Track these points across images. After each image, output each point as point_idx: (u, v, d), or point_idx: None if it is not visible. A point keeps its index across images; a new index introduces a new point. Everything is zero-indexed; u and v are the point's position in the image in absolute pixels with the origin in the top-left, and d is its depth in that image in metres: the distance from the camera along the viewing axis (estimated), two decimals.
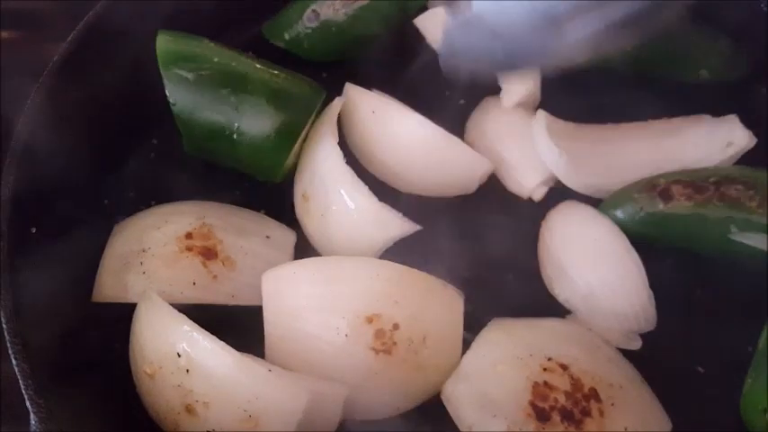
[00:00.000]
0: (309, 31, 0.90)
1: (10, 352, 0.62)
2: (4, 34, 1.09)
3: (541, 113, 0.81)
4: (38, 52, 1.07)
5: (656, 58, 0.84)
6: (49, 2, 1.14)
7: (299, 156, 0.81)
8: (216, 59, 0.77)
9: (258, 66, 0.79)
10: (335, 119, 0.79)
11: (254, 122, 0.76)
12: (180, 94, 0.76)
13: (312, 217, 0.78)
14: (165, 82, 0.76)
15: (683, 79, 0.86)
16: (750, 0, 0.86)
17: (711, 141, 0.81)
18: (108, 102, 0.79)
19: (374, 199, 0.74)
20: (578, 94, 0.84)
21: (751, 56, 0.87)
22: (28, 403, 0.60)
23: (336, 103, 0.81)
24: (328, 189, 0.75)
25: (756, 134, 0.80)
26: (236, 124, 0.76)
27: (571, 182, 0.80)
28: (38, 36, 1.10)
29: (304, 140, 0.81)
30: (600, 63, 0.83)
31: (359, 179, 0.74)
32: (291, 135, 0.77)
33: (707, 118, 0.83)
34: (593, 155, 0.81)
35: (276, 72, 0.79)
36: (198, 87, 0.76)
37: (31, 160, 0.71)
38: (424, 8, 0.90)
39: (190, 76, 0.76)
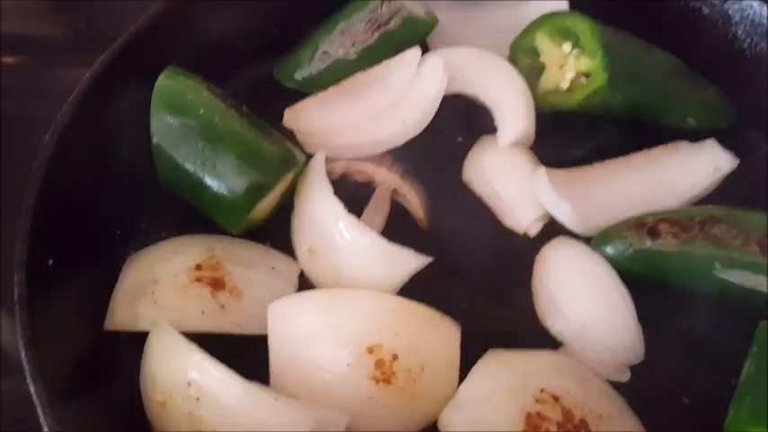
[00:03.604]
0: (321, 70, 0.93)
1: (29, 380, 0.64)
2: (8, 59, 1.12)
3: (542, 170, 0.83)
4: (41, 78, 1.11)
5: (644, 106, 0.88)
6: (52, 27, 1.17)
7: (271, 211, 0.84)
8: (201, 111, 0.79)
9: (238, 125, 0.80)
10: (324, 171, 0.81)
11: (221, 178, 0.77)
12: (161, 134, 0.79)
13: (323, 269, 0.79)
14: (152, 120, 0.79)
15: (669, 126, 0.89)
16: (737, 47, 0.90)
17: (695, 167, 0.85)
18: (124, 137, 0.82)
19: (384, 240, 0.76)
20: (570, 135, 0.88)
21: (738, 102, 0.91)
22: (46, 430, 0.63)
23: (320, 157, 0.83)
24: (337, 240, 0.78)
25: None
26: (204, 175, 0.78)
27: (579, 228, 0.82)
28: (42, 61, 1.13)
29: (284, 198, 0.84)
30: (589, 110, 0.87)
31: (364, 225, 0.77)
32: (255, 196, 0.78)
33: (684, 144, 0.87)
34: (590, 197, 0.83)
35: (253, 134, 0.80)
36: (178, 134, 0.79)
37: (48, 194, 0.74)
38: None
39: (174, 122, 0.79)
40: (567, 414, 0.68)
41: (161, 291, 0.76)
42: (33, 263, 0.70)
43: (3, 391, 0.81)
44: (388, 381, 0.70)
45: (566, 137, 0.90)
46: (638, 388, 0.74)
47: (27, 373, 0.65)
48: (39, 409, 0.63)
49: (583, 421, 0.68)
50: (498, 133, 0.88)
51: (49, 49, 1.14)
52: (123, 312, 0.76)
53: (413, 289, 0.77)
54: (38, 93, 1.08)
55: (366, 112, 0.90)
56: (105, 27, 1.13)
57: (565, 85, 0.88)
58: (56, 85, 1.07)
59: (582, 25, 0.86)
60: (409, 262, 0.77)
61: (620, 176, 0.86)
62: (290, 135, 0.88)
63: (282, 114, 0.91)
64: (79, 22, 1.17)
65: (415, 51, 0.89)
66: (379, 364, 0.70)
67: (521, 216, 0.85)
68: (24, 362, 0.66)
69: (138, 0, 0.93)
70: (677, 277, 0.77)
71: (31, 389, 0.64)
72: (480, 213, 0.87)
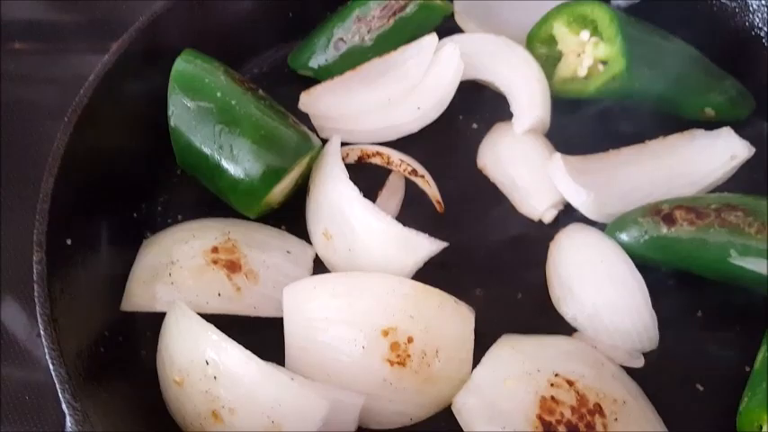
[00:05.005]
0: (336, 58, 0.93)
1: (47, 358, 0.65)
2: (19, 45, 1.12)
3: (557, 156, 0.83)
4: (52, 63, 1.11)
5: (661, 95, 0.87)
6: (64, 14, 1.17)
7: (287, 196, 0.84)
8: (219, 95, 0.79)
9: (254, 109, 0.79)
10: (339, 155, 0.81)
11: (237, 162, 0.78)
12: (179, 117, 0.80)
13: (338, 253, 0.80)
14: (169, 102, 0.80)
15: (687, 116, 0.89)
16: (755, 35, 0.89)
17: (711, 154, 0.85)
18: (141, 120, 0.83)
19: (399, 225, 0.76)
20: (586, 123, 0.88)
21: (755, 91, 0.90)
22: (64, 406, 0.63)
23: (335, 141, 0.83)
24: (352, 224, 0.78)
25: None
26: (221, 159, 0.78)
27: (594, 215, 0.82)
28: (52, 47, 1.13)
29: (299, 182, 0.84)
30: (606, 97, 0.87)
31: (380, 209, 0.77)
32: (270, 180, 0.78)
33: (700, 131, 0.86)
34: (605, 184, 0.83)
35: (270, 118, 0.80)
36: (196, 117, 0.79)
37: (67, 175, 0.74)
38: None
39: (191, 105, 0.79)
40: (582, 398, 0.69)
41: (178, 273, 0.76)
42: (52, 243, 0.71)
43: (3, 376, 0.82)
44: (402, 363, 0.70)
45: (581, 124, 0.89)
46: (652, 374, 0.74)
47: (46, 352, 0.66)
48: (57, 387, 0.64)
49: (597, 405, 0.68)
50: (514, 120, 0.88)
51: (60, 34, 1.14)
52: (140, 293, 0.77)
53: (428, 273, 0.78)
54: (48, 78, 1.08)
55: (382, 97, 0.90)
56: (116, 14, 1.14)
57: (582, 72, 0.88)
58: (66, 70, 1.08)
59: (600, 12, 0.86)
60: (424, 247, 0.77)
61: (635, 163, 0.86)
62: (305, 119, 0.88)
63: (298, 99, 0.91)
64: (90, 9, 1.17)
65: (431, 38, 0.89)
66: (394, 346, 0.70)
67: (536, 202, 0.85)
68: (43, 340, 0.66)
69: None
70: (692, 264, 0.77)
71: (50, 367, 0.65)
72: (495, 200, 0.87)
